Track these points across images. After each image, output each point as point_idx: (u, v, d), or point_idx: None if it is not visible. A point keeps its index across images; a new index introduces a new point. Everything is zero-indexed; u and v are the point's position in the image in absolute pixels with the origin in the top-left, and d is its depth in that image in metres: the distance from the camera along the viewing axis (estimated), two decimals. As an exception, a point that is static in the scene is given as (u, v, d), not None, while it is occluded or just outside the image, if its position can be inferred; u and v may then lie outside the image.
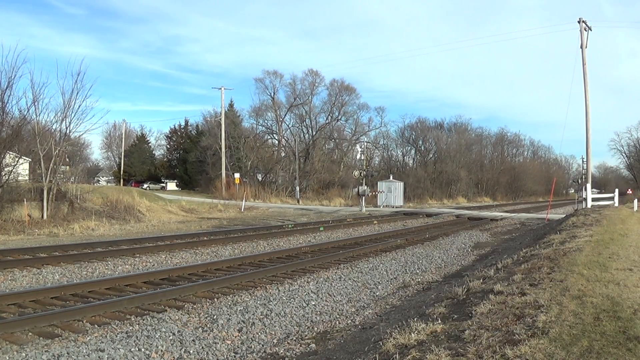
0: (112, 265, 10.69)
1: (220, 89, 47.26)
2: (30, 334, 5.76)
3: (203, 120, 63.95)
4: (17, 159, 19.86)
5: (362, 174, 34.91)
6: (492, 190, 69.45)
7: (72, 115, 20.92)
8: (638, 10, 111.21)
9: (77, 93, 20.80)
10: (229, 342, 5.96)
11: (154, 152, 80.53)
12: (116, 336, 5.78)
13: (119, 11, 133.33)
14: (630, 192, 27.60)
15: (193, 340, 5.86)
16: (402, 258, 12.38)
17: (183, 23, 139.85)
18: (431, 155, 67.23)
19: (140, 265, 10.98)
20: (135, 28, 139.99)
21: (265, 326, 6.62)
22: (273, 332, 6.45)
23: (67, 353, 5.12)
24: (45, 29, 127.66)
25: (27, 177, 21.67)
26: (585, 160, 30.92)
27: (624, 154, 75.95)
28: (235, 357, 5.57)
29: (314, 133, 58.09)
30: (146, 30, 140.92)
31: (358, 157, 43.47)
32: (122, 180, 64.62)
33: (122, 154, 68.73)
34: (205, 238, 15.38)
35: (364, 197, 32.38)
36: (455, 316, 5.11)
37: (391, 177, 43.95)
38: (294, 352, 5.64)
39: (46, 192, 19.53)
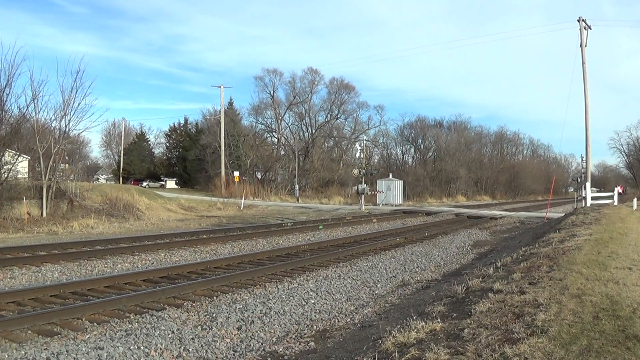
0: (111, 264, 10.69)
1: (220, 87, 47.23)
2: (29, 332, 5.75)
3: (202, 119, 64.01)
4: (16, 157, 19.85)
5: (361, 173, 34.96)
6: (491, 189, 69.52)
7: (72, 113, 20.97)
8: (638, 10, 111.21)
9: (77, 91, 20.85)
10: (228, 340, 5.97)
11: (153, 150, 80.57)
12: (115, 334, 5.78)
13: (121, 10, 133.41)
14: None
15: (192, 338, 5.86)
16: (402, 256, 12.39)
17: (185, 22, 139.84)
18: (430, 154, 67.22)
19: (139, 263, 10.98)
20: (138, 27, 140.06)
21: (265, 324, 6.62)
22: (272, 331, 6.45)
23: (67, 351, 5.12)
24: (49, 28, 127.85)
25: (26, 175, 21.65)
26: (584, 159, 30.93)
27: (623, 153, 76.02)
28: (234, 355, 5.58)
29: (314, 131, 58.07)
30: (148, 29, 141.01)
31: (357, 155, 43.51)
32: (121, 178, 64.55)
33: (122, 152, 68.65)
34: (204, 236, 15.38)
35: (363, 196, 32.38)
36: (455, 315, 5.11)
37: (390, 175, 43.94)
38: (293, 351, 5.64)
39: (45, 190, 19.52)
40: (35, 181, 20.41)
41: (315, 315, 7.23)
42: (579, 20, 27.41)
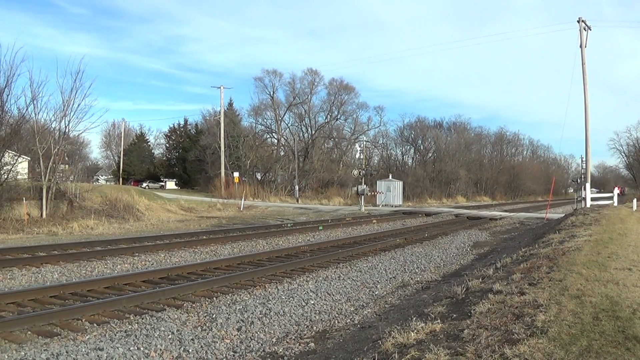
0: (111, 264, 10.68)
1: (220, 88, 47.24)
2: (29, 332, 5.75)
3: (202, 119, 64.04)
4: (16, 158, 19.84)
5: (361, 173, 34.97)
6: (491, 190, 69.51)
7: (71, 114, 20.94)
8: (638, 11, 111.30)
9: (77, 92, 20.83)
10: (228, 341, 5.96)
11: (153, 151, 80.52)
12: (115, 335, 5.78)
13: (122, 11, 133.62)
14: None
15: (192, 339, 5.86)
16: (401, 257, 12.39)
17: (186, 23, 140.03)
18: (430, 155, 67.26)
19: (139, 264, 10.97)
20: (138, 28, 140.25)
21: (264, 325, 6.62)
22: (272, 331, 6.45)
23: (66, 352, 5.12)
24: (49, 29, 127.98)
25: (26, 176, 21.64)
26: (584, 159, 30.94)
27: (623, 154, 75.84)
28: (234, 356, 5.57)
29: (313, 132, 58.06)
30: (149, 29, 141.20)
31: (357, 156, 43.46)
32: (121, 179, 64.56)
33: (121, 152, 68.67)
34: (204, 237, 15.37)
35: (363, 196, 32.38)
36: (454, 315, 5.12)
37: (390, 176, 43.94)
38: (293, 351, 5.64)
39: (45, 190, 19.51)
40: (35, 182, 20.40)
41: (315, 316, 7.22)
42: (578, 21, 27.44)
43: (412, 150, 68.44)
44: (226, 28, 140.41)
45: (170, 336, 5.86)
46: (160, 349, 5.48)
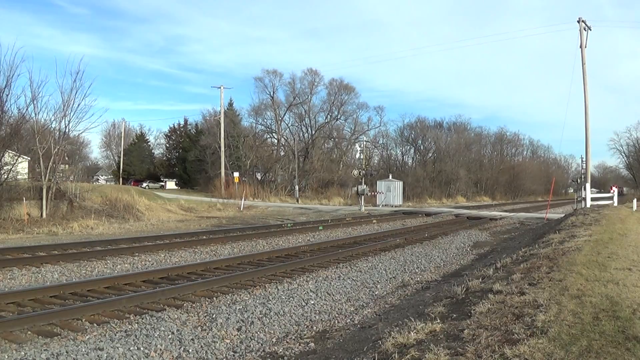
0: (111, 264, 10.68)
1: (220, 88, 47.26)
2: (29, 332, 5.75)
3: (202, 120, 64.09)
4: (16, 158, 19.83)
5: (361, 173, 34.98)
6: (491, 190, 69.53)
7: (71, 113, 20.92)
8: (638, 11, 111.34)
9: (76, 92, 20.80)
10: (228, 341, 5.96)
11: (153, 151, 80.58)
12: (115, 335, 5.78)
13: (122, 11, 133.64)
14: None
15: (192, 339, 5.86)
16: (401, 257, 12.38)
17: (186, 23, 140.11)
18: (430, 155, 67.29)
19: (139, 264, 10.97)
20: (139, 28, 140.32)
21: (265, 325, 6.62)
22: (272, 331, 6.45)
23: (66, 352, 5.12)
24: (49, 29, 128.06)
25: (26, 176, 21.63)
26: (584, 159, 30.94)
27: (623, 154, 75.78)
28: (234, 356, 5.57)
29: (313, 132, 58.07)
30: (149, 30, 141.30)
31: (357, 156, 43.47)
32: (121, 179, 64.58)
33: (122, 152, 68.69)
34: (204, 237, 15.37)
35: (363, 197, 32.39)
36: (454, 315, 5.12)
37: (390, 176, 43.95)
38: (293, 351, 5.64)
39: (45, 190, 19.51)
40: (35, 182, 20.38)
41: (315, 316, 7.23)
42: (578, 21, 27.45)
43: (412, 150, 68.55)
44: (226, 28, 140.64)
45: (170, 336, 5.86)
46: (160, 349, 5.48)
